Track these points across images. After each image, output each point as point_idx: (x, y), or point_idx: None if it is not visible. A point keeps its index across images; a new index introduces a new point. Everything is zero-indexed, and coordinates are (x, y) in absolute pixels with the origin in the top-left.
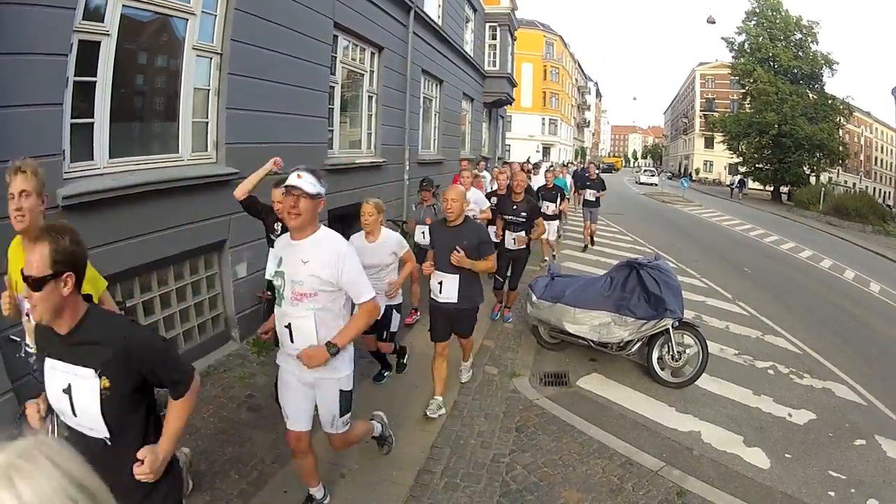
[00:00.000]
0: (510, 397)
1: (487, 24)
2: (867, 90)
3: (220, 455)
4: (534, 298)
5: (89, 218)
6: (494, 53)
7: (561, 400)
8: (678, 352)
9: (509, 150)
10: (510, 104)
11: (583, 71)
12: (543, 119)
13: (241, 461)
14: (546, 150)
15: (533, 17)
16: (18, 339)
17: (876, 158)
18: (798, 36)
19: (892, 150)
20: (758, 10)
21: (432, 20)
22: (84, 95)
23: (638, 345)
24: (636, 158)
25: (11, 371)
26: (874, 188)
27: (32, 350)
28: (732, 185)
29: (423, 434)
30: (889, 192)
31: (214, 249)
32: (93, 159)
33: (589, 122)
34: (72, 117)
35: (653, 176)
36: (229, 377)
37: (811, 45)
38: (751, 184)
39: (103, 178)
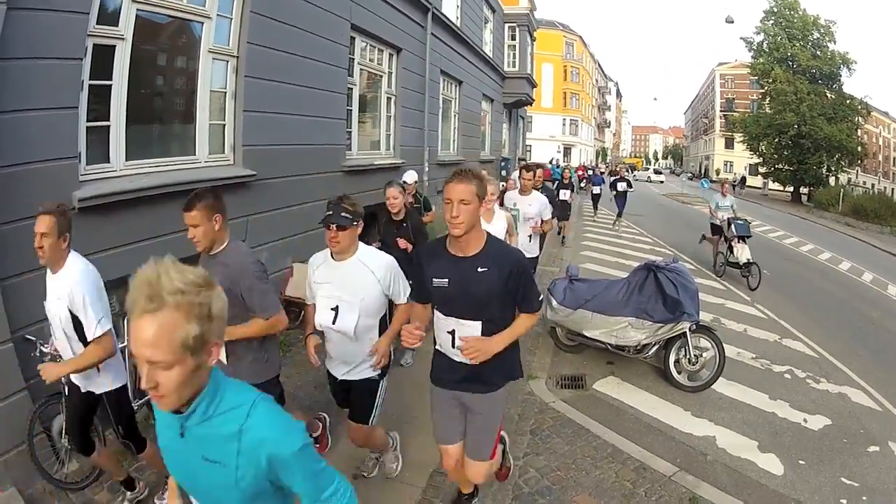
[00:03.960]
0: (526, 400)
1: (507, 25)
2: (885, 90)
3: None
4: (554, 304)
5: (105, 220)
6: (514, 54)
7: (577, 403)
8: (695, 355)
9: (530, 151)
10: (530, 105)
11: (603, 71)
12: (564, 119)
13: None
14: (567, 150)
15: (552, 18)
16: (34, 339)
17: (894, 159)
18: (816, 35)
19: None
20: (775, 10)
21: (450, 21)
22: (100, 98)
23: (655, 348)
24: (657, 159)
25: (27, 370)
26: (893, 189)
27: (47, 350)
28: (734, 183)
29: None
30: None
31: None
32: (109, 161)
33: (609, 122)
34: (88, 120)
35: (659, 174)
36: None
37: (829, 44)
38: (771, 184)
39: (120, 180)
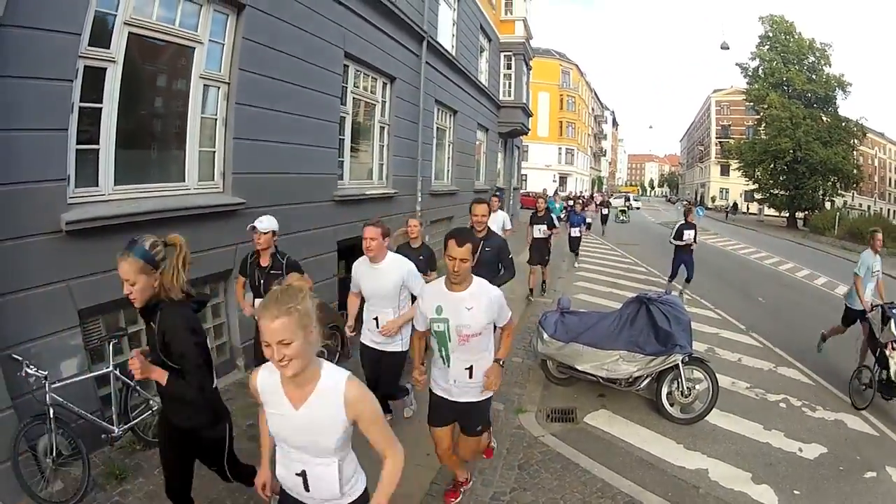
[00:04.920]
0: (515, 434)
1: (502, 54)
2: (880, 109)
3: (218, 483)
4: (545, 336)
5: (94, 243)
6: (509, 83)
7: (567, 437)
8: (688, 387)
9: (525, 180)
10: (526, 134)
11: (599, 100)
12: (560, 149)
13: (238, 490)
14: (563, 179)
15: (549, 46)
16: (20, 359)
17: (890, 179)
18: (811, 59)
19: None
20: (771, 35)
21: (446, 50)
22: (90, 121)
23: (647, 380)
24: (653, 187)
25: (12, 389)
26: (888, 210)
27: (33, 371)
28: (727, 209)
29: (422, 471)
30: None
31: (220, 279)
32: (98, 185)
33: (605, 150)
34: (77, 143)
35: (636, 200)
36: (232, 406)
37: (824, 67)
38: (766, 210)
39: (108, 204)
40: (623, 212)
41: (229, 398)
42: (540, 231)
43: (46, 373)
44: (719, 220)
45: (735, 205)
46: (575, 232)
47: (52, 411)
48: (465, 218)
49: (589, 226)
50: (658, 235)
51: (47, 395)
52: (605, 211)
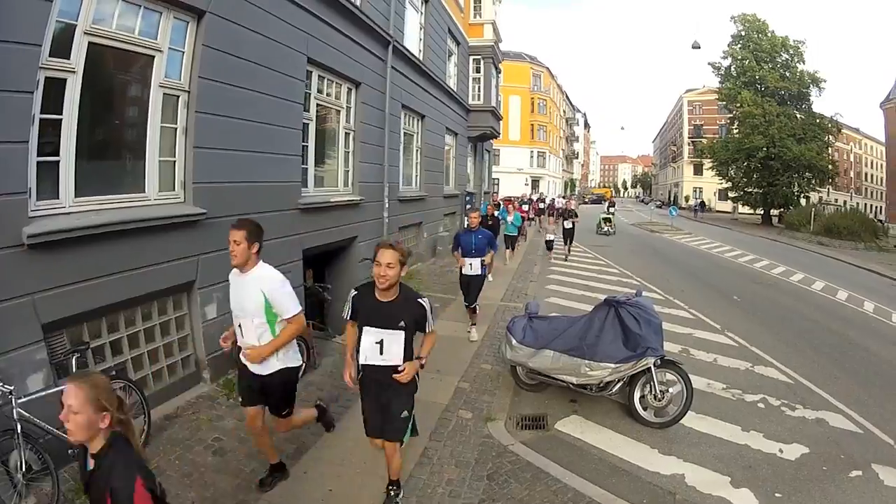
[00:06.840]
0: (483, 443)
1: (471, 58)
2: (855, 105)
3: (184, 499)
4: (513, 342)
5: (55, 257)
6: (479, 87)
7: (537, 445)
8: (661, 391)
9: (497, 184)
10: (496, 138)
11: (570, 102)
12: (532, 152)
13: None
14: (535, 182)
15: (520, 50)
16: None
17: (865, 174)
18: (784, 56)
19: (881, 165)
20: (744, 34)
21: (412, 55)
22: (50, 133)
23: (619, 385)
24: (626, 188)
25: None
26: (864, 204)
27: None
28: (695, 208)
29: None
30: (880, 207)
31: (183, 290)
32: (58, 198)
33: (578, 153)
34: (38, 155)
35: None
36: (198, 419)
37: (798, 64)
38: (741, 208)
39: (69, 216)
40: (607, 220)
41: (195, 411)
42: (374, 349)
43: (13, 387)
44: (690, 218)
45: (702, 203)
46: (470, 267)
47: (19, 426)
48: (434, 224)
49: (549, 245)
50: (630, 235)
51: (14, 411)
52: (568, 225)
